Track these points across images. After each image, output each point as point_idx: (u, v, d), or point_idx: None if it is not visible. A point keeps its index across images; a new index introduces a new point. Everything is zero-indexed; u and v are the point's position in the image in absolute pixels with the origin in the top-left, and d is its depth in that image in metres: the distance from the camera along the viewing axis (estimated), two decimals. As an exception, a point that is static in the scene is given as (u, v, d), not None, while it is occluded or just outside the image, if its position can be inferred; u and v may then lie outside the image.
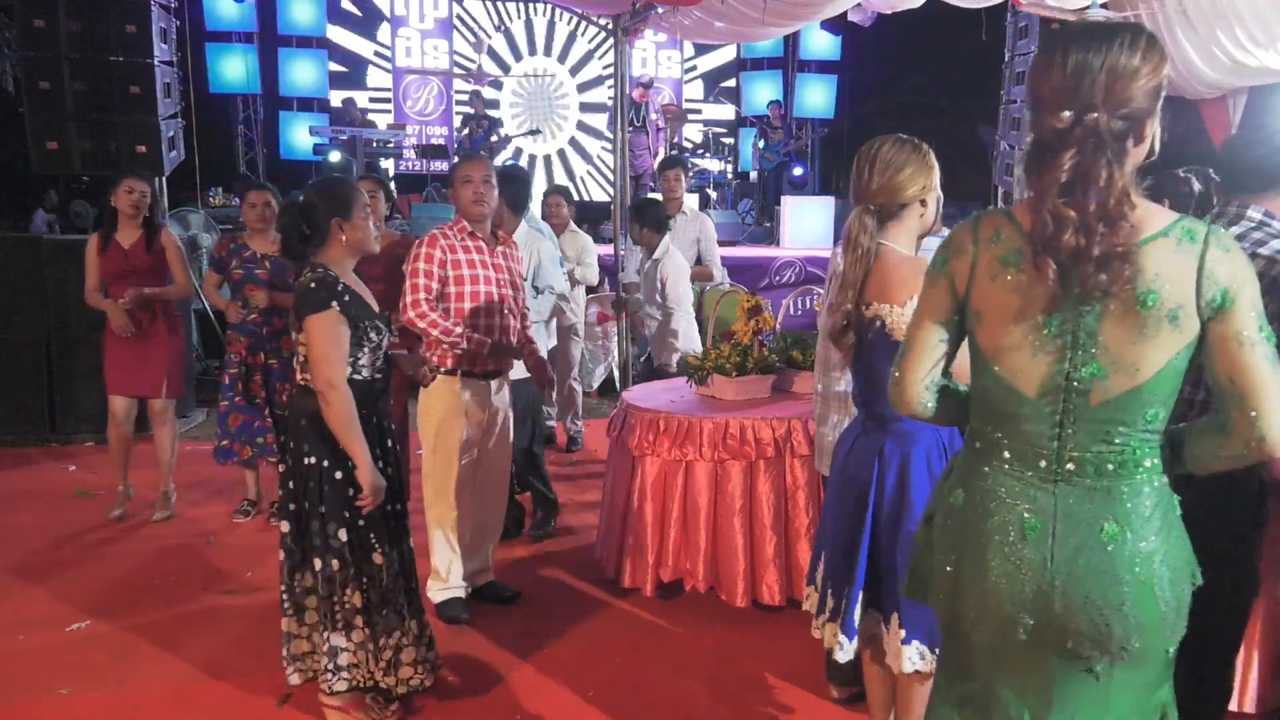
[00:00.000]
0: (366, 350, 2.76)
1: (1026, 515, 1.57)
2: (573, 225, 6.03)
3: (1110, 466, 1.53)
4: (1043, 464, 1.57)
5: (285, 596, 2.84)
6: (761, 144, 11.54)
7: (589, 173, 13.31)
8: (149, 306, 4.61)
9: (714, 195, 11.62)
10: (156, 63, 6.74)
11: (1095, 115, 1.47)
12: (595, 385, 7.59)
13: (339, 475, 2.73)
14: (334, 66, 12.37)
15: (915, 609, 2.25)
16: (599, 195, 13.15)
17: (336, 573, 2.73)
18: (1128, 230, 1.46)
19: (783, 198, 10.21)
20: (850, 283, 2.27)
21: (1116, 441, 1.52)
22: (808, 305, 7.49)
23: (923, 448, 2.31)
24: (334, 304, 2.66)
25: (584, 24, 12.06)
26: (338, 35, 12.46)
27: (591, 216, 12.89)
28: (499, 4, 12.87)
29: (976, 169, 9.88)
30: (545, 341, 4.63)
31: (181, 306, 4.93)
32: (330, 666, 2.78)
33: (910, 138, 2.33)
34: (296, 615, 2.84)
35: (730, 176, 12.24)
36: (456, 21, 12.73)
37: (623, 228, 5.96)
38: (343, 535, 2.73)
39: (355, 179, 4.61)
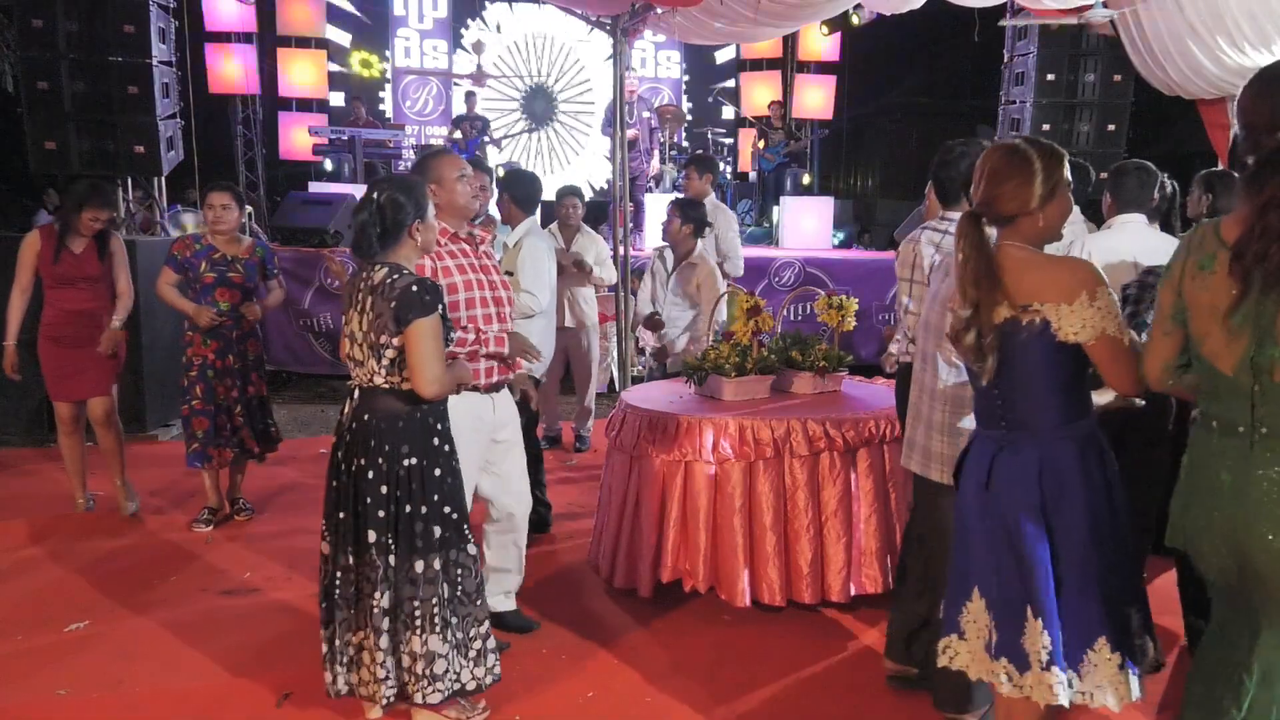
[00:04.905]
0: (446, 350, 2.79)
1: (1224, 475, 1.88)
2: (585, 226, 5.99)
3: None
4: (1241, 429, 1.87)
5: (351, 614, 2.76)
6: (761, 144, 11.54)
7: (581, 173, 13.32)
8: (103, 318, 4.57)
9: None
10: (155, 63, 6.75)
11: None
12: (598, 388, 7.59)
13: (437, 472, 2.75)
14: (333, 67, 12.38)
15: (1124, 629, 2.14)
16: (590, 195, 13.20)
17: (439, 571, 2.73)
18: None
19: (782, 198, 10.21)
20: (964, 283, 2.18)
21: None
22: (808, 310, 7.48)
23: (1080, 454, 2.17)
24: (440, 306, 2.69)
25: (582, 24, 12.05)
26: (337, 35, 12.46)
27: (588, 217, 12.88)
28: (498, 4, 12.87)
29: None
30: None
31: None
32: (427, 674, 2.73)
33: (1026, 146, 2.20)
34: (363, 629, 2.76)
35: (729, 177, 12.24)
36: (454, 22, 12.74)
37: (623, 226, 5.96)
38: (437, 532, 2.74)
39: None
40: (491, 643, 2.87)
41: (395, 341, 2.66)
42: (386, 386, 2.73)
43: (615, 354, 7.13)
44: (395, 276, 2.69)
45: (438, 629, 2.73)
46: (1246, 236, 1.79)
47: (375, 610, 2.72)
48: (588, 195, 12.95)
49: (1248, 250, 1.78)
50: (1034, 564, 2.15)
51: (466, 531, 2.83)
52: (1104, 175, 4.61)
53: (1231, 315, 1.82)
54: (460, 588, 2.79)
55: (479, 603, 2.84)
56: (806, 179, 11.21)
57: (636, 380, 6.17)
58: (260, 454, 4.73)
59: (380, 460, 2.71)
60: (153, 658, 3.36)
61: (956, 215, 3.19)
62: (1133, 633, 2.16)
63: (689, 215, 5.04)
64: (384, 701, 2.74)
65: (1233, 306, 1.82)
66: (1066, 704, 2.14)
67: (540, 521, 4.56)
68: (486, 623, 2.86)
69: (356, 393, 2.79)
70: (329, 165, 10.13)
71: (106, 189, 4.82)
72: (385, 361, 2.70)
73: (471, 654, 2.81)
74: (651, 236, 8.73)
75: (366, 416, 2.75)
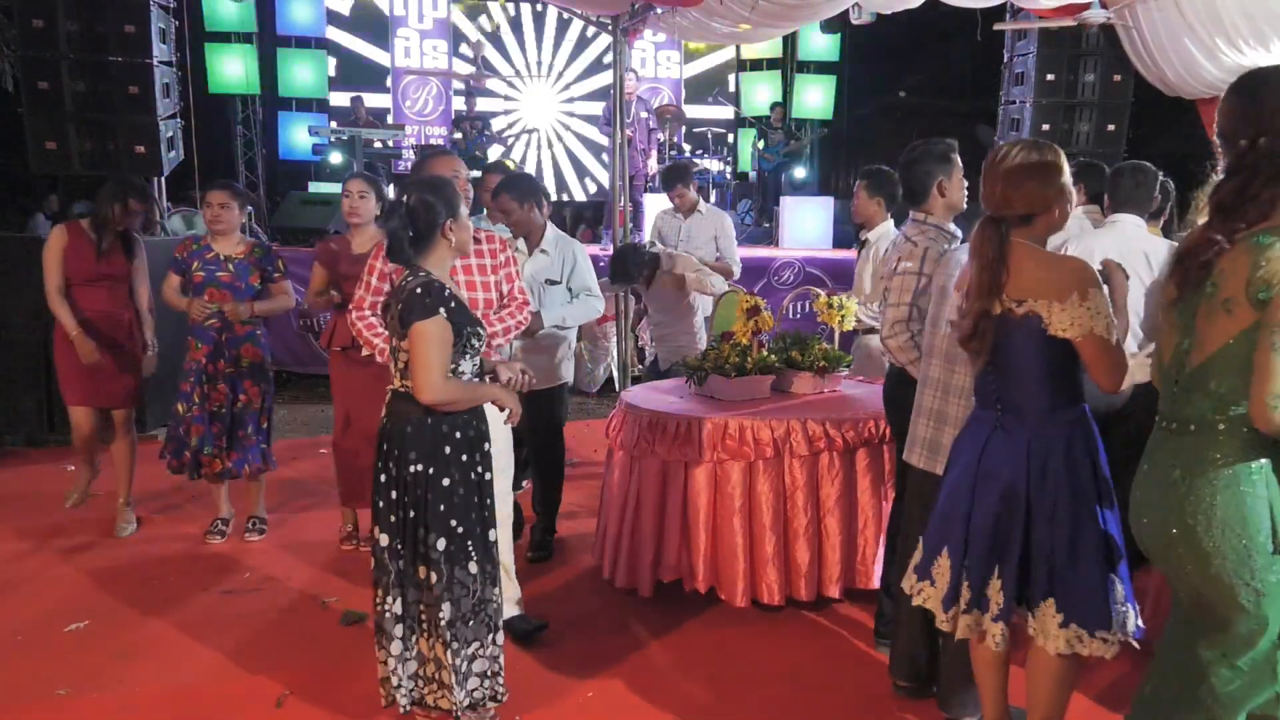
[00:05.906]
0: (469, 357, 2.74)
1: (1145, 464, 2.01)
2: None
3: (1192, 426, 1.90)
4: (1163, 422, 1.98)
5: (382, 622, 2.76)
6: (761, 144, 11.53)
7: (585, 173, 13.31)
8: (123, 319, 4.53)
9: (714, 195, 11.61)
10: (155, 63, 6.75)
11: (1262, 140, 1.81)
12: (596, 387, 7.59)
13: (446, 482, 2.70)
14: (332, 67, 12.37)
15: (1075, 594, 2.30)
16: (585, 196, 13.20)
17: (444, 588, 2.69)
18: (1222, 235, 1.82)
19: (781, 198, 10.20)
20: (982, 289, 2.31)
21: (1198, 404, 1.88)
22: (807, 309, 7.48)
23: (1067, 437, 2.33)
24: (441, 310, 2.61)
25: (583, 24, 12.05)
26: (337, 35, 12.45)
27: (589, 217, 12.89)
28: (497, 4, 12.86)
29: (975, 169, 9.88)
30: (569, 343, 4.54)
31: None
32: (436, 679, 2.73)
33: (1039, 146, 2.35)
34: (382, 639, 2.76)
35: (730, 177, 12.23)
36: (454, 22, 12.72)
37: (622, 227, 5.95)
38: (441, 545, 2.68)
39: (347, 178, 4.47)
40: (479, 665, 2.77)
41: (404, 345, 2.66)
42: (403, 390, 2.73)
43: (615, 354, 7.13)
44: (410, 279, 2.68)
45: (442, 639, 2.71)
46: (1185, 241, 1.93)
47: (388, 615, 2.73)
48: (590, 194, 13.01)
49: (1181, 252, 1.93)
50: (1009, 534, 2.34)
51: (469, 549, 2.74)
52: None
53: (1175, 311, 1.96)
54: (459, 608, 2.73)
55: (471, 624, 2.74)
56: (802, 173, 11.19)
57: (636, 380, 6.17)
58: (244, 473, 4.47)
59: (390, 464, 2.72)
60: (153, 658, 3.36)
61: (922, 216, 3.14)
62: (1114, 602, 2.31)
63: (622, 274, 5.07)
64: (402, 709, 2.75)
65: (1169, 303, 1.98)
66: (997, 647, 2.40)
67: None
68: (476, 644, 2.75)
69: (389, 397, 2.80)
70: (340, 158, 10.06)
71: (143, 183, 4.80)
72: (400, 364, 2.71)
73: (462, 671, 2.73)
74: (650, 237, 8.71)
75: (386, 421, 2.76)
